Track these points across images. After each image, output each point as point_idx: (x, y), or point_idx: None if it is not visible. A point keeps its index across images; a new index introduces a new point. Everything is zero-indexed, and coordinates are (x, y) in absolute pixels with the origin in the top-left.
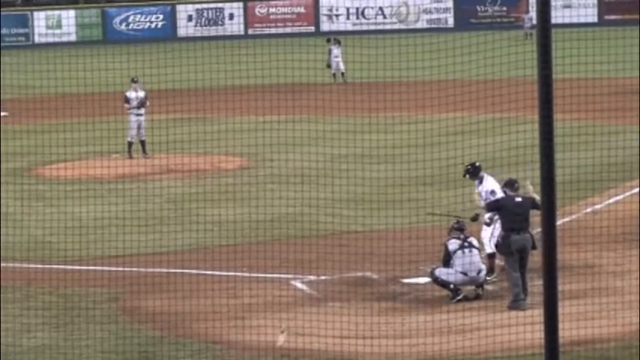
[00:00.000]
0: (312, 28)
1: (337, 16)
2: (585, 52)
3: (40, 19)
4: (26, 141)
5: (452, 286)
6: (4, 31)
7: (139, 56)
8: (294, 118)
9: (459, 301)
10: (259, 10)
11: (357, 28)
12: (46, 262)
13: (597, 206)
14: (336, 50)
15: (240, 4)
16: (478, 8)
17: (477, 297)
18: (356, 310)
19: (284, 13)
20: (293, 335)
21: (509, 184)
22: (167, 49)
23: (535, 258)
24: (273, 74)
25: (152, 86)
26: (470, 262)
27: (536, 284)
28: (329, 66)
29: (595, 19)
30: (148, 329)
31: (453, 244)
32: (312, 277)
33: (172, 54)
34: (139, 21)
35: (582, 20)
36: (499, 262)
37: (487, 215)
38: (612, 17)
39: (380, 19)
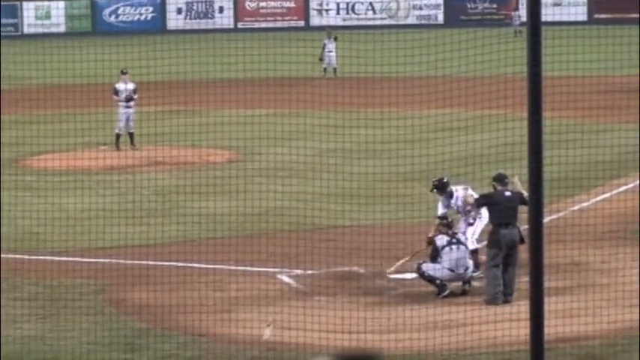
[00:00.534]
0: (302, 23)
1: (327, 10)
2: (575, 51)
3: (30, 9)
4: (14, 132)
5: (438, 281)
6: None
7: (128, 48)
8: (282, 112)
9: (445, 296)
10: (249, 3)
11: (347, 23)
12: (32, 253)
13: (584, 204)
14: (330, 45)
15: None
16: (468, 5)
17: (464, 293)
18: (342, 304)
19: (274, 7)
20: (279, 329)
21: (499, 179)
22: (156, 41)
23: (522, 255)
24: (263, 68)
25: (141, 78)
26: (457, 258)
27: (522, 281)
28: (321, 59)
29: (585, 18)
30: (134, 321)
31: (441, 240)
32: (299, 271)
33: (162, 46)
34: (128, 13)
35: (572, 18)
36: (484, 257)
37: (472, 214)
38: (602, 16)
39: (370, 14)
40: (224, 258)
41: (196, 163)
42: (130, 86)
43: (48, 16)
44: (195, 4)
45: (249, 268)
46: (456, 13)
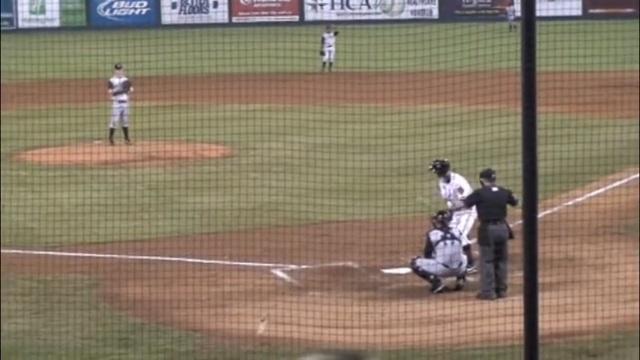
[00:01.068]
0: (296, 17)
1: (322, 5)
2: (569, 45)
3: (24, 3)
4: (8, 126)
5: (432, 277)
6: None
7: (123, 43)
8: (277, 106)
9: (440, 292)
10: None
11: (342, 17)
12: (26, 248)
13: (579, 199)
14: (330, 40)
15: None
16: (463, 0)
17: (458, 288)
18: (336, 299)
19: (269, 2)
20: (273, 324)
21: (486, 175)
22: (151, 36)
23: (516, 250)
24: (257, 62)
25: (135, 73)
26: (451, 253)
27: (516, 276)
28: (322, 53)
29: (579, 13)
30: (128, 316)
31: (435, 235)
32: (293, 266)
33: (156, 41)
34: (122, 7)
35: (567, 13)
36: (477, 253)
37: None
38: (597, 11)
39: (364, 9)
40: (218, 253)
41: (190, 158)
42: (123, 80)
43: (42, 11)
44: None
45: (243, 263)
46: (451, 8)
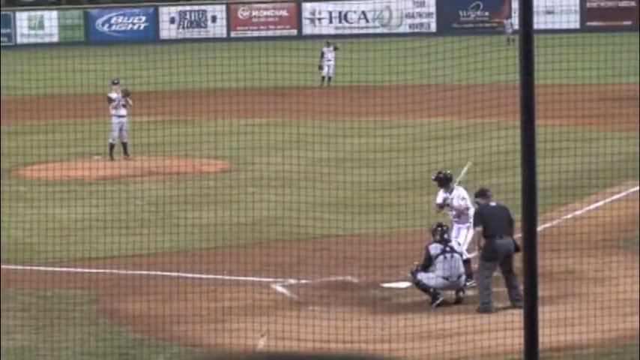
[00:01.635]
0: (294, 32)
1: (320, 19)
2: (567, 59)
3: (23, 19)
4: (7, 142)
5: (432, 290)
6: None
7: (122, 58)
8: (276, 121)
9: (439, 305)
10: (242, 12)
11: (340, 31)
12: (26, 264)
13: (578, 212)
14: (329, 54)
15: (223, 7)
16: (460, 13)
17: (458, 301)
18: (336, 314)
19: (267, 16)
20: (273, 339)
21: (481, 194)
22: (149, 51)
23: (516, 263)
24: (256, 77)
25: (134, 88)
26: (451, 266)
27: None
28: (320, 68)
29: (577, 26)
30: (128, 331)
31: (435, 249)
32: (293, 281)
33: (155, 56)
34: (121, 22)
35: (565, 26)
36: (476, 266)
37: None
38: (594, 23)
39: (362, 23)
40: (218, 268)
41: (190, 173)
42: (122, 89)
43: (41, 26)
44: (188, 13)
45: (242, 278)
46: (449, 22)
